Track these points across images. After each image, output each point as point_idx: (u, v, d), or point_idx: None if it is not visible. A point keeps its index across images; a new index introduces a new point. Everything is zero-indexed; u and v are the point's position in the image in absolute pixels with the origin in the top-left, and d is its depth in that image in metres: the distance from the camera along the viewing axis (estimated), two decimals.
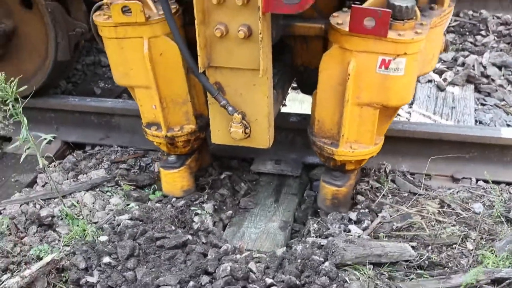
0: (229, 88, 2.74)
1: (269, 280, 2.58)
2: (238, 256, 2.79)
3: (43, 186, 3.53)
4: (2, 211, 3.27)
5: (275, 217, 3.26)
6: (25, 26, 3.78)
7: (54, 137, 2.92)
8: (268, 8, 2.44)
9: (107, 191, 3.42)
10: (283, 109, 3.76)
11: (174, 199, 3.30)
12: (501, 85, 4.35)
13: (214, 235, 3.05)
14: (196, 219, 3.14)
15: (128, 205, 3.27)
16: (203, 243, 2.96)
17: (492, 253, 2.86)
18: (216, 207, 3.28)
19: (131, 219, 3.06)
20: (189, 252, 2.80)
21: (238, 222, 3.25)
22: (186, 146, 3.15)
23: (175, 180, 3.16)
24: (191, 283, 2.56)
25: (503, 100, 4.22)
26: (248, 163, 3.67)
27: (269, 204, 3.36)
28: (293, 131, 3.65)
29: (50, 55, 3.75)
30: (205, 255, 2.79)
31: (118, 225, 3.00)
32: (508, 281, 2.70)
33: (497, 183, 3.36)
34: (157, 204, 3.26)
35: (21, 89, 2.71)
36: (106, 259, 2.73)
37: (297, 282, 2.58)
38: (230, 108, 2.73)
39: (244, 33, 2.49)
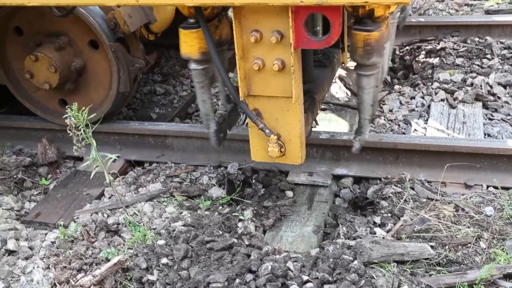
0: (265, 113, 2.82)
1: (305, 277, 2.55)
2: (277, 256, 2.77)
3: (109, 198, 3.58)
4: (76, 220, 3.34)
5: (309, 222, 3.24)
6: (93, 64, 3.89)
7: (118, 156, 2.97)
8: (298, 44, 2.52)
9: (163, 202, 3.45)
10: (314, 129, 3.77)
11: (220, 207, 3.32)
12: (506, 102, 4.25)
13: (257, 238, 3.04)
14: (239, 224, 3.14)
15: (181, 213, 3.29)
16: (246, 245, 2.95)
17: (503, 251, 2.79)
18: (256, 213, 3.28)
19: (184, 225, 3.08)
20: (235, 253, 2.79)
21: (277, 227, 3.23)
22: (206, 9, 2.84)
23: (193, 41, 2.80)
24: (237, 281, 2.55)
25: (509, 115, 4.13)
26: (285, 174, 3.66)
27: (303, 211, 3.34)
28: (322, 147, 3.64)
29: (114, 87, 3.84)
30: (248, 255, 2.77)
31: (173, 230, 3.02)
32: None
33: (506, 188, 3.27)
34: (206, 212, 3.28)
35: (91, 116, 2.79)
36: (164, 260, 2.75)
37: (330, 278, 2.55)
38: (267, 131, 2.80)
39: (278, 66, 2.58)
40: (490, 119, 4.14)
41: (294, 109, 2.75)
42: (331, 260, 2.67)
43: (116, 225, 3.18)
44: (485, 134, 3.90)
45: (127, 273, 2.80)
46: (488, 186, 3.33)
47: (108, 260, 2.86)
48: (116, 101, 3.94)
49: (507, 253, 2.77)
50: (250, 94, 2.76)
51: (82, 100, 3.83)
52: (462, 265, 2.75)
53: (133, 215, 3.30)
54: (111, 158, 2.87)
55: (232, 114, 3.29)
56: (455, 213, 3.12)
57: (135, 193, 3.57)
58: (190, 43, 2.78)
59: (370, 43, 2.60)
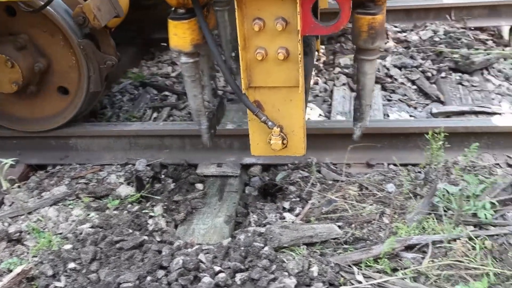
0: (267, 105, 2.70)
1: (217, 268, 2.57)
2: (189, 250, 2.76)
3: (10, 205, 3.41)
4: None
5: (220, 213, 3.24)
6: (59, 64, 3.68)
7: (16, 161, 2.82)
8: (305, 31, 2.44)
9: (69, 205, 3.33)
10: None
11: (129, 205, 3.25)
12: (402, 83, 4.46)
13: (168, 234, 3.02)
14: (150, 221, 3.10)
15: (88, 215, 3.19)
16: (158, 242, 2.92)
17: (404, 225, 2.94)
18: (167, 208, 3.24)
19: (92, 227, 2.99)
20: (146, 251, 2.75)
21: (188, 220, 3.21)
22: None
23: (185, 32, 2.64)
24: (149, 278, 2.52)
25: (405, 95, 4.34)
26: (194, 167, 3.64)
27: (214, 202, 3.34)
28: (230, 137, 3.65)
29: (83, 87, 3.63)
30: (160, 252, 2.75)
31: (81, 233, 2.93)
32: (418, 246, 2.78)
33: (405, 165, 3.45)
34: (115, 212, 3.20)
35: None
36: (71, 265, 2.66)
37: (242, 266, 2.58)
38: (270, 123, 2.69)
39: (283, 54, 2.47)
40: (388, 100, 4.32)
41: (298, 98, 2.66)
42: (242, 248, 2.69)
43: (18, 234, 3.03)
44: (384, 114, 4.06)
45: (32, 283, 2.68)
46: (389, 164, 3.49)
47: (10, 271, 2.72)
48: (85, 102, 3.71)
49: (407, 226, 2.92)
50: (250, 85, 2.63)
51: (46, 104, 3.69)
52: (367, 241, 2.87)
53: (36, 221, 3.16)
54: (7, 163, 2.73)
55: (219, 109, 3.20)
56: (360, 192, 3.25)
57: (38, 198, 3.41)
58: (181, 35, 2.62)
59: (375, 27, 2.55)
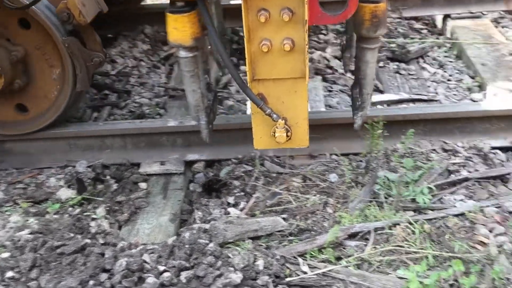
0: (271, 97, 2.64)
1: (161, 268, 2.53)
2: (133, 250, 2.72)
3: None
4: None
5: (165, 211, 3.21)
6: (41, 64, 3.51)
7: None
8: (312, 21, 2.39)
9: (6, 211, 3.21)
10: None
11: (70, 209, 3.17)
12: (342, 74, 4.53)
13: (112, 236, 2.96)
14: (92, 224, 3.03)
15: (27, 220, 3.08)
16: (101, 244, 2.86)
17: (347, 213, 2.99)
18: (110, 210, 3.18)
19: (31, 233, 2.89)
20: (88, 254, 2.69)
21: (132, 221, 3.16)
22: None
23: (185, 26, 2.57)
24: (91, 282, 2.46)
25: (346, 85, 4.41)
26: (137, 166, 3.59)
27: (159, 201, 3.30)
28: (173, 134, 3.61)
29: (68, 87, 3.48)
30: (103, 254, 2.69)
31: (19, 240, 2.83)
32: (361, 234, 2.84)
33: (346, 155, 3.51)
34: (55, 216, 3.11)
35: None
36: (9, 274, 2.56)
37: (187, 264, 2.56)
38: (274, 116, 2.63)
39: (289, 45, 2.42)
40: (329, 91, 4.38)
41: (302, 90, 2.62)
42: (187, 246, 2.67)
43: None
44: (326, 105, 4.12)
45: None
46: (331, 155, 3.53)
47: None
48: (70, 103, 3.56)
49: (350, 215, 2.97)
50: (254, 78, 2.57)
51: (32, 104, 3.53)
52: (312, 232, 2.91)
53: None
54: None
55: (214, 103, 3.12)
56: (303, 183, 3.29)
57: None
58: (182, 29, 2.54)
59: (378, 15, 2.55)
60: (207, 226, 2.87)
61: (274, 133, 2.67)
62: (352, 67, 3.39)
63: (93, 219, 3.09)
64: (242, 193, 3.23)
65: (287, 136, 2.68)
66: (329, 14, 2.43)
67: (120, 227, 3.12)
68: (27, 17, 3.32)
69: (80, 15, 3.17)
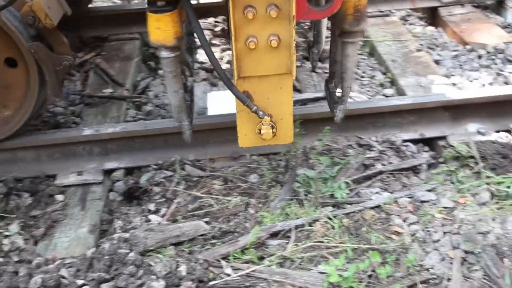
0: (256, 94, 2.61)
1: (80, 281, 2.47)
2: (50, 266, 2.63)
3: None
4: None
5: (83, 223, 3.11)
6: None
7: None
8: (300, 16, 2.35)
9: None
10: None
11: None
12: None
13: (27, 252, 2.84)
14: (5, 241, 2.89)
15: None
16: (15, 262, 2.73)
17: (269, 213, 3.02)
18: (24, 225, 3.05)
19: None
20: (1, 274, 2.57)
21: (49, 235, 3.04)
22: None
23: (167, 25, 2.50)
24: None
25: None
26: (53, 178, 3.46)
27: (77, 212, 3.19)
28: (89, 143, 3.51)
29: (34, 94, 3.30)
30: (17, 273, 2.58)
31: None
32: (282, 232, 2.87)
33: (266, 155, 3.54)
34: None
35: None
36: None
37: (107, 276, 2.50)
38: (260, 113, 2.59)
39: (276, 42, 2.38)
40: None
41: (288, 86, 2.61)
42: (107, 257, 2.61)
43: None
44: None
45: None
46: (251, 155, 3.56)
47: None
48: (35, 110, 3.34)
49: (272, 214, 3.00)
50: (240, 76, 2.52)
51: None
52: (235, 234, 2.92)
53: None
54: None
55: (192, 104, 3.04)
56: (225, 185, 3.29)
57: None
58: (164, 29, 2.46)
59: (360, 9, 2.56)
60: (127, 235, 2.81)
61: (260, 130, 2.68)
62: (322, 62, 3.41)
63: (6, 236, 2.95)
64: (163, 199, 3.19)
65: (272, 132, 2.69)
66: (316, 9, 2.43)
67: (36, 243, 3.00)
68: None
69: (47, 18, 3.03)
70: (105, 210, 3.25)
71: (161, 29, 2.50)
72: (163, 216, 3.05)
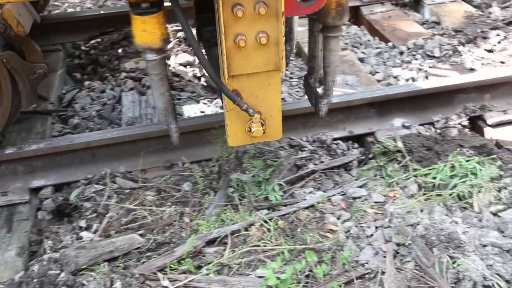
0: (245, 92, 2.61)
1: None
2: None
3: None
4: None
5: (11, 246, 2.96)
6: None
7: None
8: (289, 12, 2.37)
9: None
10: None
11: None
12: (190, 80, 4.55)
13: None
14: None
15: None
16: None
17: (204, 220, 2.99)
18: None
19: None
20: None
21: None
22: None
23: (154, 27, 2.46)
24: None
25: (194, 92, 4.42)
26: None
27: (3, 235, 3.04)
28: (12, 162, 3.36)
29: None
30: None
31: None
32: (219, 239, 2.85)
33: (199, 162, 3.51)
34: None
35: None
36: None
37: None
38: (251, 110, 2.60)
39: (266, 39, 2.40)
40: (178, 99, 4.36)
41: (276, 82, 2.62)
42: (36, 280, 2.51)
43: None
44: (179, 114, 4.09)
45: None
46: (184, 163, 3.52)
47: None
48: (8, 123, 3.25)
49: (207, 221, 2.98)
50: (229, 75, 2.50)
51: None
52: (171, 244, 2.87)
53: None
54: None
55: (175, 107, 2.95)
56: (158, 196, 3.23)
57: None
58: (151, 31, 2.42)
59: (342, 4, 2.60)
60: (57, 255, 2.70)
61: (250, 128, 2.67)
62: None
63: None
64: (95, 215, 3.09)
65: (262, 130, 2.70)
66: (304, 4, 2.43)
67: None
68: None
69: (19, 25, 2.91)
70: (34, 231, 3.12)
71: (147, 31, 2.46)
72: (95, 232, 2.96)
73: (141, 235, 2.91)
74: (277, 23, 2.41)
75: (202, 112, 4.18)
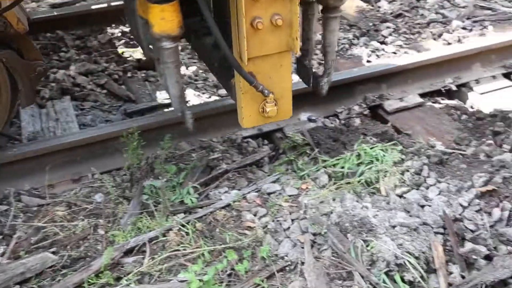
0: (259, 74, 2.69)
1: None
2: None
3: None
4: None
5: None
6: None
7: None
8: None
9: None
10: None
11: None
12: (92, 89, 4.40)
13: None
14: None
15: None
16: None
17: (120, 231, 2.92)
18: None
19: None
20: None
21: None
22: None
23: (172, 15, 2.52)
24: None
25: (97, 101, 4.29)
26: None
27: None
28: None
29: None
30: None
31: None
32: (137, 248, 2.81)
33: (109, 172, 3.42)
34: None
35: None
36: None
37: None
38: (266, 91, 2.69)
39: (281, 20, 2.51)
40: (81, 109, 4.22)
41: (287, 63, 2.73)
42: None
43: None
44: (80, 125, 3.95)
45: None
46: (93, 175, 3.41)
47: None
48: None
49: (123, 231, 2.91)
50: (249, 58, 2.59)
51: None
52: (87, 259, 2.78)
53: None
54: None
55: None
56: (69, 210, 3.11)
57: None
58: (169, 19, 2.52)
59: None
60: None
61: (264, 108, 2.77)
62: None
63: None
64: (1, 237, 2.92)
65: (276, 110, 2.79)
66: None
67: None
68: None
69: (19, 23, 2.86)
70: None
71: (166, 19, 2.54)
72: (2, 254, 2.79)
73: (53, 252, 2.79)
74: (291, 5, 2.53)
75: (107, 121, 4.07)
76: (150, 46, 2.86)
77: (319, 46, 4.58)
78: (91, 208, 3.11)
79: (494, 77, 4.33)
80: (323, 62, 3.16)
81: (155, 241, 2.84)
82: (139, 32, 3.02)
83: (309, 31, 3.11)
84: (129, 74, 4.60)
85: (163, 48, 2.66)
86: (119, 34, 5.14)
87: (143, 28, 2.77)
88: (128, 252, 2.78)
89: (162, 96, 4.29)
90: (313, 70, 3.20)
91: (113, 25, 5.30)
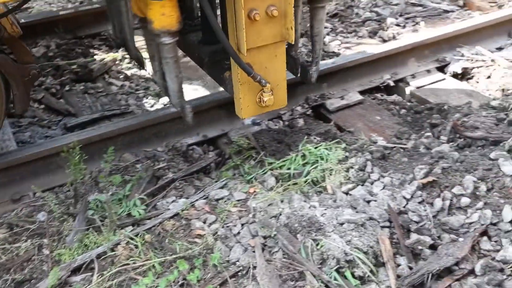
0: (256, 65, 2.78)
1: None
2: None
3: None
4: None
5: None
6: None
7: None
8: None
9: None
10: None
11: None
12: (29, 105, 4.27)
13: None
14: None
15: None
16: None
17: (66, 249, 2.84)
18: None
19: None
20: None
21: None
22: None
23: (171, 10, 2.62)
24: None
25: (35, 117, 4.17)
26: None
27: None
28: None
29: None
30: None
31: None
32: (85, 265, 2.74)
33: (51, 189, 3.33)
34: None
35: None
36: None
37: None
38: (263, 81, 2.78)
39: (277, 11, 2.60)
40: (19, 126, 4.08)
41: (282, 53, 2.82)
42: None
43: None
44: (17, 142, 3.81)
45: None
46: (35, 193, 3.30)
47: None
48: None
49: (70, 249, 2.83)
50: (247, 48, 2.67)
51: None
52: (32, 281, 2.69)
53: None
54: None
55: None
56: (10, 232, 3.00)
57: None
58: (169, 14, 2.61)
59: None
60: None
61: (261, 98, 2.85)
62: None
63: None
64: None
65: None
66: None
67: None
68: None
69: (13, 26, 2.91)
70: None
71: (166, 14, 2.61)
72: None
73: None
74: None
75: (47, 136, 3.95)
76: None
77: None
78: (34, 228, 3.01)
79: (428, 71, 4.47)
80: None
81: (104, 256, 2.77)
82: (126, 33, 3.07)
83: (296, 23, 3.18)
84: (67, 88, 4.49)
85: (163, 44, 2.73)
86: (53, 47, 4.99)
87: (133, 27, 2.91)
88: (76, 271, 2.70)
89: (103, 108, 4.20)
90: (301, 60, 3.36)
91: (47, 37, 5.15)
